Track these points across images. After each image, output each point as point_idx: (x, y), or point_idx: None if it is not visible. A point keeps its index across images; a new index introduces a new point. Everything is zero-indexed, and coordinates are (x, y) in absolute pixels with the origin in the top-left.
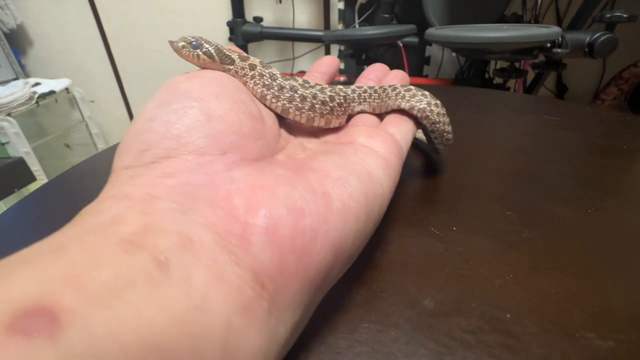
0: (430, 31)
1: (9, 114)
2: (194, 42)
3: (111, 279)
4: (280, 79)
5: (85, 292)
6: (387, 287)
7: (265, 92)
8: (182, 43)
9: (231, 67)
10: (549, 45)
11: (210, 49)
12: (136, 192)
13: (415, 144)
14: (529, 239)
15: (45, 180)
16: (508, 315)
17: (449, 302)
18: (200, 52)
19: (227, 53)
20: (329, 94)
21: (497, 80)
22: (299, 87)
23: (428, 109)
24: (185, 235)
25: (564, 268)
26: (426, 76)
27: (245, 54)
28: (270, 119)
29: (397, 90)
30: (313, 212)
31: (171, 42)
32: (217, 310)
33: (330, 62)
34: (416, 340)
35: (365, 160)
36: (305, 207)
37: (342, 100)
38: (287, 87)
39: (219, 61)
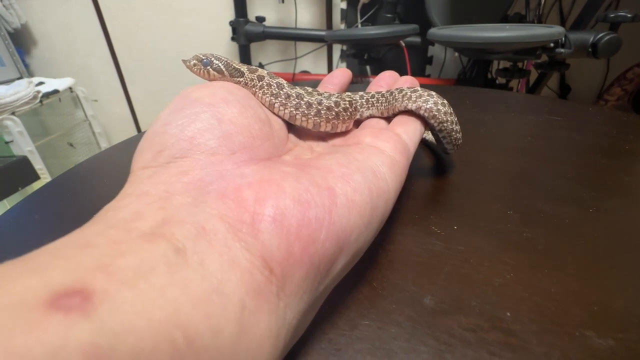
0: (433, 31)
1: (13, 113)
2: (204, 60)
3: (136, 265)
4: (287, 88)
5: (114, 276)
6: (387, 285)
7: (274, 100)
8: (194, 61)
9: (241, 79)
10: (552, 45)
11: (219, 64)
12: (154, 189)
13: (426, 144)
14: (530, 239)
15: (49, 179)
16: (508, 314)
17: (449, 300)
18: (210, 69)
19: (236, 67)
20: (334, 99)
21: (500, 80)
22: (305, 94)
23: (435, 108)
24: (199, 225)
25: (564, 267)
26: (429, 76)
27: (253, 67)
28: (278, 124)
29: (404, 92)
30: (318, 204)
31: (184, 61)
32: (232, 292)
33: (341, 74)
34: (416, 337)
35: (370, 158)
36: (310, 200)
37: (348, 105)
38: (294, 95)
39: (228, 75)
